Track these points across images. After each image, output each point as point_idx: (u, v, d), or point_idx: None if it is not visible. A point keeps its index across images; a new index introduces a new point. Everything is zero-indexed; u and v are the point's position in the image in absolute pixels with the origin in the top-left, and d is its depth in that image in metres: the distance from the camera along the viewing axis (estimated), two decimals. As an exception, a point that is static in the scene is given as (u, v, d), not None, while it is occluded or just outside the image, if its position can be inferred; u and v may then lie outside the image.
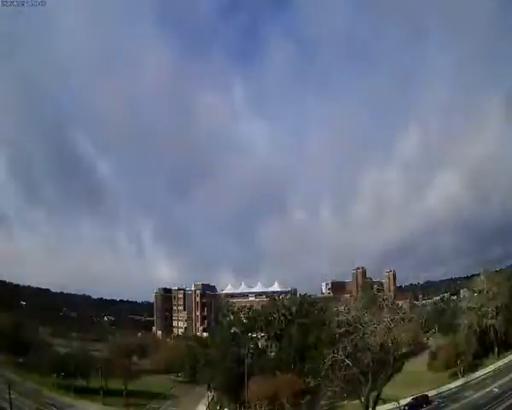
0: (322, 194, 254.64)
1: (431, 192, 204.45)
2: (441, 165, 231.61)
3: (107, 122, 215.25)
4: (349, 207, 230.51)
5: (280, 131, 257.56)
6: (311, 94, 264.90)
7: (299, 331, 63.46)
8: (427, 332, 77.00)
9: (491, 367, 56.45)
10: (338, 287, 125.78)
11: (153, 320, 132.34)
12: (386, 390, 43.01)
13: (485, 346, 59.97)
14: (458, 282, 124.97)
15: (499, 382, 50.20)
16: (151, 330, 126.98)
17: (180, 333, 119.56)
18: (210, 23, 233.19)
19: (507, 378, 50.53)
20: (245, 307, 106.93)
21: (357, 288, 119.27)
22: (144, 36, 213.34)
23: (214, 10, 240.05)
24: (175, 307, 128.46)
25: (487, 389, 48.82)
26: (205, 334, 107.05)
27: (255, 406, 49.07)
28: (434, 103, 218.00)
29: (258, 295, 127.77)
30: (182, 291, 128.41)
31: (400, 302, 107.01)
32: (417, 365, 61.05)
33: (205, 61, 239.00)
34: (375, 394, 42.31)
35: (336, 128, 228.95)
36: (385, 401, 43.79)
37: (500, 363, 56.88)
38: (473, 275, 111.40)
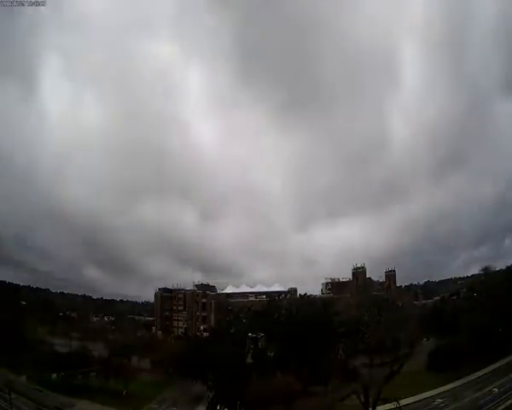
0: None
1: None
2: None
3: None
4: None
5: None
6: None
7: (299, 331, 63.46)
8: (427, 332, 76.88)
9: (490, 367, 56.45)
10: (338, 287, 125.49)
11: (153, 320, 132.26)
12: (386, 390, 43.04)
13: (485, 346, 59.93)
14: (458, 282, 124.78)
15: (499, 382, 50.27)
16: (151, 330, 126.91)
17: (180, 333, 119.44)
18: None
19: (507, 379, 50.58)
20: (245, 307, 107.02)
21: (357, 288, 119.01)
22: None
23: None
24: (175, 307, 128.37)
25: (487, 390, 48.88)
26: (205, 334, 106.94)
27: (255, 406, 49.08)
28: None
29: (258, 295, 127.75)
30: (182, 291, 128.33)
31: (400, 302, 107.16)
32: (417, 365, 61.07)
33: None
34: (374, 394, 42.37)
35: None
36: (385, 402, 43.80)
37: (500, 363, 56.89)
38: (473, 275, 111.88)
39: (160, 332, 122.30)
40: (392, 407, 43.50)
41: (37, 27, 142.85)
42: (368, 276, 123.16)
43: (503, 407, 42.95)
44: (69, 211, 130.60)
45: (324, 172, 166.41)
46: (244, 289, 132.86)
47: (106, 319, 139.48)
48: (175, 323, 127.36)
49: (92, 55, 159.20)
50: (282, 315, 76.23)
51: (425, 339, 75.05)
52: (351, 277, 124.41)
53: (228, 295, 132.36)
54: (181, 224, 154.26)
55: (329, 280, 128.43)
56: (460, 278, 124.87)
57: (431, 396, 50.83)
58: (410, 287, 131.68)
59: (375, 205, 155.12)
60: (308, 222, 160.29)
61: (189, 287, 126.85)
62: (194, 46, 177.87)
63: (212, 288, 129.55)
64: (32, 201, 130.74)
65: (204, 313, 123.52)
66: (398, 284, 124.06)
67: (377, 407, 43.00)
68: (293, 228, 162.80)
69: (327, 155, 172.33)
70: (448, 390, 52.36)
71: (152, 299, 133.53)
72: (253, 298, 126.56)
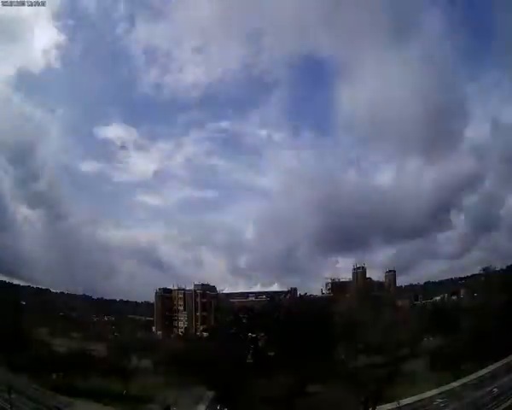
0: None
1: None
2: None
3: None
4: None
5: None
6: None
7: (298, 332, 63.43)
8: (427, 332, 76.85)
9: (490, 368, 56.42)
10: (338, 287, 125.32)
11: (153, 320, 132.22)
12: (386, 390, 43.06)
13: (485, 346, 59.91)
14: (458, 282, 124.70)
15: (499, 382, 50.26)
16: (151, 330, 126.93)
17: (180, 333, 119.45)
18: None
19: (506, 379, 50.58)
20: (245, 307, 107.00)
21: (357, 288, 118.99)
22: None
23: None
24: (175, 307, 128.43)
25: (487, 390, 48.87)
26: (205, 334, 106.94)
27: (255, 406, 49.10)
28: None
29: (258, 295, 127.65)
30: (182, 291, 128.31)
31: (400, 302, 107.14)
32: (417, 365, 61.07)
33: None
34: (375, 394, 42.36)
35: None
36: (385, 402, 43.84)
37: (500, 363, 56.86)
38: (473, 275, 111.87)
39: (159, 332, 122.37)
40: (393, 407, 43.57)
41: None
42: (368, 276, 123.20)
43: (503, 406, 42.94)
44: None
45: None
46: (244, 289, 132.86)
47: (106, 319, 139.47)
48: (175, 323, 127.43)
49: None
50: (281, 315, 76.24)
51: (425, 339, 75.04)
52: (351, 277, 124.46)
53: (228, 295, 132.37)
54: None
55: (329, 280, 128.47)
56: (460, 278, 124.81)
57: (431, 396, 50.81)
58: (409, 287, 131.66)
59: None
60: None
61: (189, 287, 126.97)
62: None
63: (212, 288, 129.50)
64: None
65: (204, 313, 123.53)
66: (398, 284, 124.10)
67: (377, 407, 43.00)
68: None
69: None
70: (448, 390, 52.38)
71: (152, 299, 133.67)
72: (253, 298, 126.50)
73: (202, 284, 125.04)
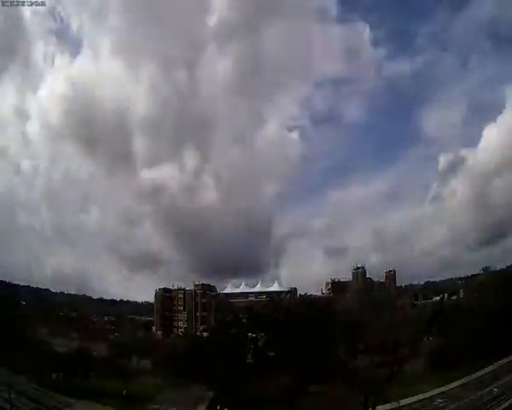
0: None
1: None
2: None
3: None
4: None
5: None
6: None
7: (298, 331, 63.31)
8: (427, 332, 76.87)
9: (490, 368, 56.38)
10: (338, 287, 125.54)
11: (153, 320, 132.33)
12: (386, 390, 43.02)
13: (485, 346, 59.86)
14: (458, 282, 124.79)
15: (499, 382, 50.23)
16: (151, 330, 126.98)
17: (180, 333, 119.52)
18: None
19: (506, 379, 50.55)
20: (245, 307, 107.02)
21: (357, 288, 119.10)
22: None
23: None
24: (175, 307, 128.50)
25: (487, 390, 48.84)
26: (205, 334, 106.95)
27: (255, 406, 49.02)
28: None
29: (258, 295, 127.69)
30: (182, 291, 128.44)
31: (400, 302, 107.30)
32: (417, 365, 61.07)
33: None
34: (375, 394, 42.33)
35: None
36: (385, 402, 43.82)
37: (500, 363, 56.81)
38: (473, 275, 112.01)
39: (159, 332, 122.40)
40: (393, 407, 43.54)
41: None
42: (368, 276, 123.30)
43: (503, 406, 42.93)
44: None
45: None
46: (244, 289, 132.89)
47: (106, 319, 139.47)
48: (175, 323, 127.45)
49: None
50: (281, 315, 76.13)
51: (425, 339, 75.02)
52: (351, 277, 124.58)
53: (228, 295, 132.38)
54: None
55: (330, 280, 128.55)
56: (460, 278, 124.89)
57: (431, 396, 50.78)
58: (409, 287, 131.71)
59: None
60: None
61: (189, 287, 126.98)
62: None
63: (212, 288, 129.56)
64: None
65: (204, 313, 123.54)
66: (398, 284, 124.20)
67: (377, 407, 42.97)
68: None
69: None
70: (448, 390, 52.34)
71: (152, 299, 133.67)
72: (252, 298, 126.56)
73: (202, 284, 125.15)
